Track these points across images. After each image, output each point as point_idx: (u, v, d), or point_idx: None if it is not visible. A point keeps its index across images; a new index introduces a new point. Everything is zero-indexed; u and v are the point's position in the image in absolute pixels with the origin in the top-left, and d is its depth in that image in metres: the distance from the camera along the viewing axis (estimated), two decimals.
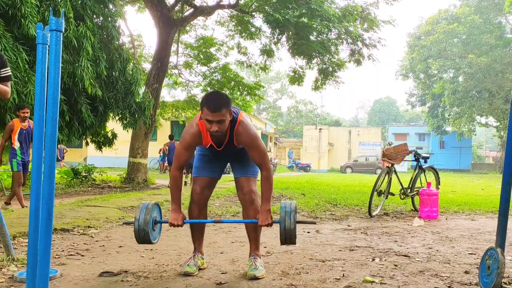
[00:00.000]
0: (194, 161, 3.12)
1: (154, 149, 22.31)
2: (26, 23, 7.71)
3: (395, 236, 4.55)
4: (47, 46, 2.15)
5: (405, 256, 3.53)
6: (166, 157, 19.20)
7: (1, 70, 3.39)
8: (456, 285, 2.69)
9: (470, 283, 2.72)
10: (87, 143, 14.19)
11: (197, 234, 3.06)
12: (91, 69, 9.26)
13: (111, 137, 12.76)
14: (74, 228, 4.28)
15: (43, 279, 1.90)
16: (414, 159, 6.89)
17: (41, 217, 2.18)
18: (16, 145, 6.66)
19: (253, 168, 2.98)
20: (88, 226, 4.42)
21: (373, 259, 3.35)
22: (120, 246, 3.66)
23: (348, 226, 5.25)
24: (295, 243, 2.72)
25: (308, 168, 34.39)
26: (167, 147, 20.57)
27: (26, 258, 2.95)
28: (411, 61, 39.47)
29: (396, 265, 3.17)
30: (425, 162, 7.00)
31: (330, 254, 3.57)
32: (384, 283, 2.70)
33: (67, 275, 2.73)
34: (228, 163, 3.11)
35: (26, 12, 7.69)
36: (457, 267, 3.19)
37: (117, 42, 11.33)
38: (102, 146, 12.91)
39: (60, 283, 2.55)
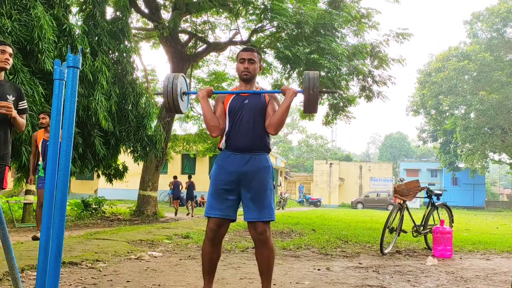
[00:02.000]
0: (204, 196, 3.09)
1: (165, 181, 22.29)
2: (43, 58, 7.94)
3: (408, 275, 4.44)
4: (64, 81, 2.20)
5: None
6: (173, 192, 20.27)
7: (19, 103, 3.49)
8: None
9: None
10: (98, 176, 14.31)
11: (209, 268, 2.98)
12: (105, 103, 9.44)
13: (122, 170, 12.84)
14: (83, 261, 4.25)
15: None
16: (426, 196, 6.80)
17: (51, 252, 2.18)
18: (40, 159, 6.26)
19: (269, 209, 2.91)
20: (97, 260, 4.39)
21: None
22: (127, 281, 3.62)
23: (360, 264, 5.15)
24: (316, 112, 2.98)
25: (318, 203, 34.08)
26: (172, 185, 21.47)
27: None
28: (422, 97, 39.56)
29: None
30: (438, 199, 6.90)
31: None
32: None
33: None
34: (241, 201, 3.00)
35: (44, 47, 7.93)
36: None
37: (131, 77, 11.57)
38: (113, 179, 12.97)
39: None
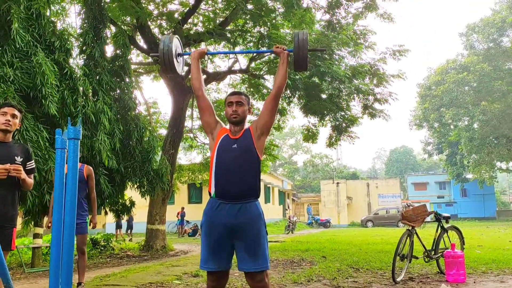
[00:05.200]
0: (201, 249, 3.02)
1: (172, 212, 22.29)
2: (47, 103, 8.03)
3: None
4: (66, 150, 2.24)
5: None
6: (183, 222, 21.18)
7: (27, 163, 3.53)
8: None
9: None
10: (105, 212, 14.33)
11: None
12: (108, 142, 9.51)
13: (129, 205, 12.86)
14: None
15: None
16: (435, 219, 6.74)
17: None
18: None
19: (263, 258, 2.84)
20: None
21: None
22: None
23: None
24: (306, 69, 3.19)
25: (328, 224, 33.80)
26: (180, 215, 22.23)
27: None
28: (424, 111, 39.61)
29: None
30: (447, 222, 6.84)
31: None
32: None
33: None
34: (234, 253, 2.94)
35: (47, 92, 8.03)
36: None
37: (133, 113, 11.68)
38: (121, 214, 12.99)
39: None
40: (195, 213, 25.76)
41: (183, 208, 23.49)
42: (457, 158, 43.24)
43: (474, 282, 5.98)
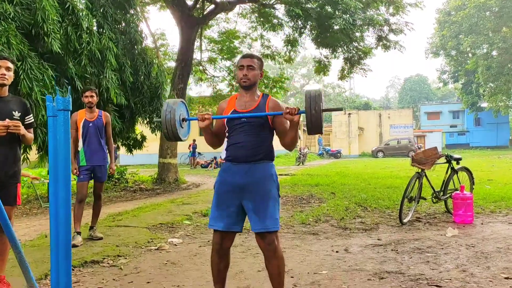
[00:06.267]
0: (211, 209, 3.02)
1: (184, 144, 22.50)
2: (50, 40, 7.82)
3: (427, 254, 4.42)
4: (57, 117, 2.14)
5: (437, 286, 3.41)
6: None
7: (26, 118, 3.45)
8: None
9: None
10: (117, 147, 14.52)
11: (218, 278, 2.97)
12: (115, 79, 9.38)
13: (141, 140, 12.98)
14: (104, 259, 4.35)
15: None
16: (446, 161, 6.66)
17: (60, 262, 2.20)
18: (79, 145, 5.12)
19: (273, 219, 2.83)
20: (118, 255, 4.48)
21: None
22: (148, 282, 3.69)
23: (378, 239, 5.14)
24: (321, 133, 2.83)
25: (338, 154, 34.05)
26: (191, 147, 22.55)
27: None
28: (442, 38, 38.24)
29: None
30: (458, 163, 6.76)
31: (359, 285, 3.50)
32: None
33: None
34: (246, 211, 2.92)
35: (49, 29, 7.79)
36: None
37: (140, 47, 11.42)
38: (133, 149, 13.14)
39: None
40: (206, 145, 25.98)
41: (194, 141, 23.68)
42: (473, 87, 42.31)
43: (482, 224, 6.01)
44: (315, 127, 2.65)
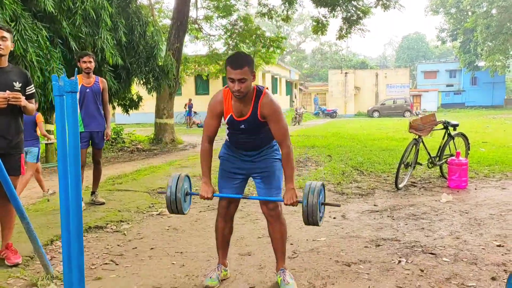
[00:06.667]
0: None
1: (180, 103, 22.40)
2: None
3: (422, 220, 4.55)
4: (64, 97, 2.14)
5: (431, 254, 3.54)
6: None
7: (27, 88, 3.42)
8: None
9: None
10: (113, 107, 14.43)
11: (222, 243, 3.14)
12: (110, 39, 9.21)
13: (137, 100, 12.93)
14: (107, 224, 4.45)
15: None
16: (443, 127, 6.71)
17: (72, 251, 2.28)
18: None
19: (278, 189, 2.95)
20: (120, 221, 4.58)
21: (399, 261, 3.38)
22: (151, 248, 3.80)
23: (375, 205, 5.26)
24: (318, 225, 2.76)
25: (334, 114, 34.09)
26: (187, 106, 22.41)
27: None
28: None
29: (422, 270, 3.19)
30: (455, 129, 6.81)
31: (356, 252, 3.62)
32: None
33: None
34: (251, 178, 3.08)
35: None
36: (484, 270, 3.19)
37: (135, 5, 11.15)
38: (129, 109, 13.11)
39: None
40: (203, 105, 25.89)
41: (190, 100, 23.57)
42: (471, 46, 41.85)
43: (475, 189, 6.14)
44: (311, 219, 2.69)
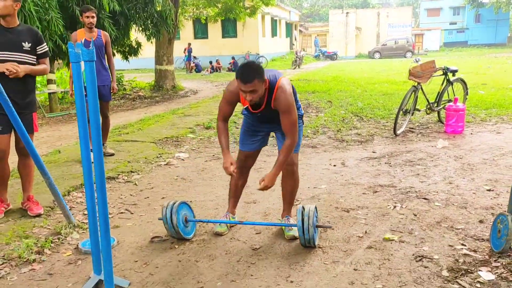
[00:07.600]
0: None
1: (178, 48, 22.12)
2: None
3: (418, 166, 4.78)
4: (80, 63, 2.27)
5: (425, 199, 3.78)
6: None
7: (38, 48, 3.47)
8: (469, 241, 2.97)
9: (482, 239, 2.99)
10: (113, 54, 14.33)
11: (235, 193, 3.38)
12: None
13: (136, 46, 12.84)
14: (119, 175, 4.68)
15: (107, 255, 2.30)
16: (442, 73, 6.79)
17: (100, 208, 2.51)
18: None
19: (297, 145, 3.06)
20: (131, 171, 4.82)
21: (394, 207, 3.63)
22: (162, 198, 4.05)
23: (373, 152, 5.48)
24: (315, 246, 2.93)
25: (335, 56, 33.70)
26: (187, 51, 22.08)
27: (85, 221, 3.38)
28: None
29: (415, 215, 3.45)
30: (454, 75, 6.89)
31: (354, 199, 3.87)
32: (403, 241, 3.00)
33: (122, 242, 3.14)
34: (272, 133, 3.26)
35: None
36: (473, 214, 3.44)
37: None
38: (128, 56, 13.05)
39: (119, 253, 2.96)
40: (202, 49, 25.59)
41: (189, 44, 23.27)
42: None
43: (471, 134, 6.34)
44: (307, 240, 2.86)
